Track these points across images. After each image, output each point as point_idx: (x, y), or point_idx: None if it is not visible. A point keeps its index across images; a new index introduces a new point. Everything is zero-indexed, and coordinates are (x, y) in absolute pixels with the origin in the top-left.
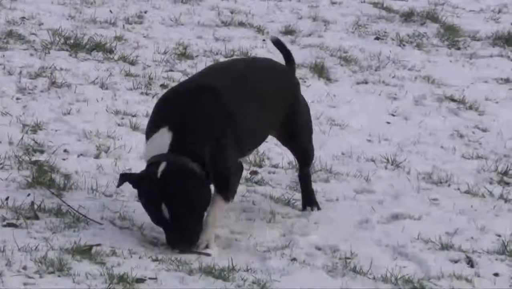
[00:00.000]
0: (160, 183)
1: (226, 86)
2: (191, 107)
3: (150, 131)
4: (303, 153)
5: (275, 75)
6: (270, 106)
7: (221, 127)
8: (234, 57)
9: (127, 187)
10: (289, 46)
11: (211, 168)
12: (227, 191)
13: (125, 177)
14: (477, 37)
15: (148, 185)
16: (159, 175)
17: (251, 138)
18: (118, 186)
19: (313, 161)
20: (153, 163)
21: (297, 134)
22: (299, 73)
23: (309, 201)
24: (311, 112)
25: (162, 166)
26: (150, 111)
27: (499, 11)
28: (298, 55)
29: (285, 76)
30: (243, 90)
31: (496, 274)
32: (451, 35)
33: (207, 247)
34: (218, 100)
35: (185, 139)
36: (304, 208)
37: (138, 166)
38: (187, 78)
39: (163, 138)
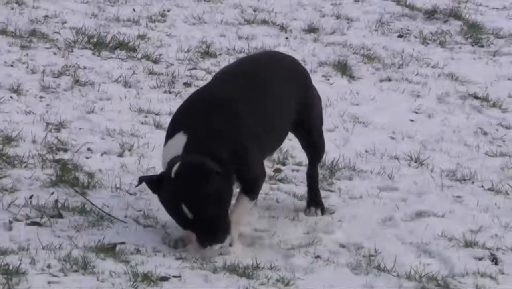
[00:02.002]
0: (176, 182)
1: (239, 95)
2: (207, 116)
3: (166, 139)
4: (315, 147)
5: (285, 68)
6: (285, 102)
7: (239, 133)
8: None
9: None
10: (312, 44)
11: (237, 171)
12: (252, 192)
13: (143, 179)
14: (500, 34)
15: (165, 186)
16: (173, 174)
17: (272, 139)
18: (137, 186)
19: (320, 162)
20: (168, 165)
21: (310, 127)
22: (322, 71)
23: (314, 201)
24: (335, 110)
25: (176, 165)
26: (174, 109)
27: None
28: (322, 53)
29: (295, 67)
30: (257, 94)
31: None
32: (475, 33)
33: (230, 245)
34: (234, 110)
35: (200, 140)
36: (308, 208)
37: (161, 165)
38: (201, 87)
39: (178, 141)
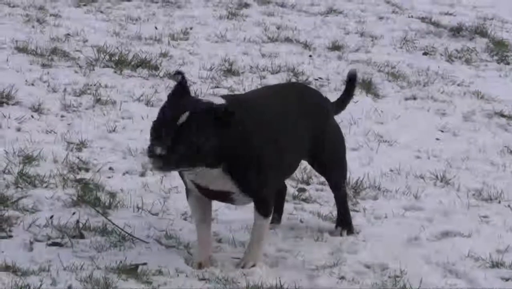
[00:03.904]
0: (188, 97)
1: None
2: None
3: None
4: (331, 179)
5: (305, 102)
6: (301, 135)
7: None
8: (281, 74)
9: (174, 205)
10: (336, 62)
11: (250, 187)
12: (265, 208)
13: (181, 74)
14: None
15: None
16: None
17: (284, 168)
18: (174, 74)
19: (345, 184)
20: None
21: (326, 162)
22: None
23: (342, 221)
24: (359, 128)
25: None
26: None
27: None
28: (346, 71)
29: (315, 101)
30: (276, 124)
31: None
32: (500, 50)
33: (254, 265)
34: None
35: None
36: (335, 228)
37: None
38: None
39: None
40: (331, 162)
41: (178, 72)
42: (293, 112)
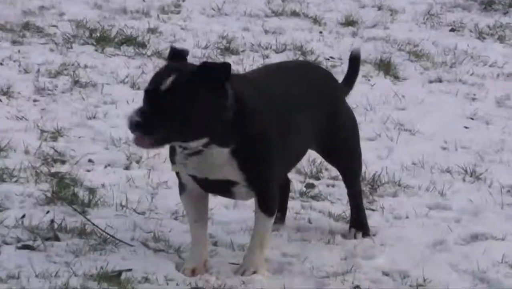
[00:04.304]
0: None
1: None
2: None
3: None
4: (346, 172)
5: (314, 83)
6: (310, 119)
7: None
8: (287, 53)
9: (163, 202)
10: (350, 39)
11: (258, 177)
12: (270, 205)
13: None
14: None
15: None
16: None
17: (290, 157)
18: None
19: (360, 179)
20: None
21: (339, 151)
22: (362, 70)
23: (357, 222)
24: (376, 115)
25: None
26: None
27: None
28: (361, 49)
29: (326, 82)
30: (280, 106)
31: None
32: None
33: (255, 272)
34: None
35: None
36: (349, 230)
37: (174, 178)
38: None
39: None
40: (345, 150)
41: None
42: (302, 93)
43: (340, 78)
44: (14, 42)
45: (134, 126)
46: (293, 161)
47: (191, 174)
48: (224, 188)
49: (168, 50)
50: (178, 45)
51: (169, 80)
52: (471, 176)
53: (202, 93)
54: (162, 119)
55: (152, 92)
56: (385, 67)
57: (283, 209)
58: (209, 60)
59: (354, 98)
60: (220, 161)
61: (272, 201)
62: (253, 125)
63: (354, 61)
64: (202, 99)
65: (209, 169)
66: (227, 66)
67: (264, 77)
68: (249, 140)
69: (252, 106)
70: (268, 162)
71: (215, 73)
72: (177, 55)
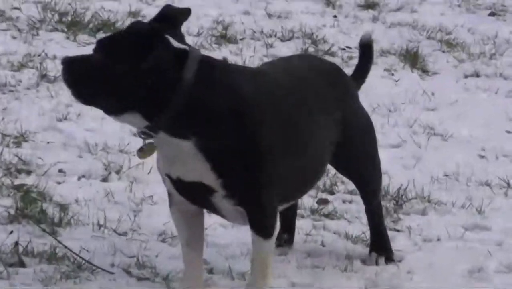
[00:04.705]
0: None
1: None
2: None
3: None
4: (362, 185)
5: (320, 80)
6: (326, 127)
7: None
8: (294, 42)
9: (148, 221)
10: (370, 25)
11: (238, 181)
12: (263, 225)
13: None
14: None
15: None
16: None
17: (299, 176)
18: None
19: (380, 193)
20: None
21: (353, 159)
22: (384, 62)
23: (378, 245)
24: (401, 117)
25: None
26: None
27: None
28: (383, 37)
29: (335, 78)
30: (284, 107)
31: None
32: None
33: None
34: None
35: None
36: (369, 254)
37: (161, 192)
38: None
39: None
40: (360, 159)
41: None
42: (307, 93)
43: None
44: None
45: (64, 60)
46: (309, 179)
47: (165, 171)
48: (202, 195)
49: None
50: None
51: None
52: None
53: (130, 61)
54: (87, 70)
55: (98, 42)
56: (412, 59)
57: (290, 230)
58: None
59: (375, 97)
60: (185, 153)
61: (267, 219)
62: (244, 124)
63: (366, 48)
64: (129, 66)
65: (177, 165)
66: (167, 45)
67: (262, 70)
68: (236, 138)
69: (246, 99)
70: (260, 170)
71: (141, 36)
72: (164, 18)
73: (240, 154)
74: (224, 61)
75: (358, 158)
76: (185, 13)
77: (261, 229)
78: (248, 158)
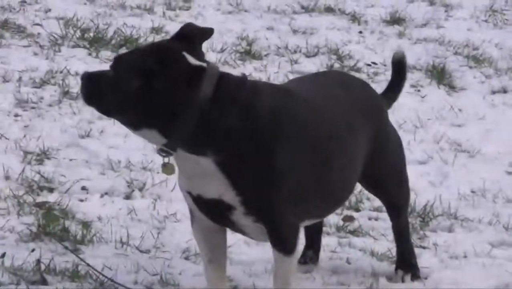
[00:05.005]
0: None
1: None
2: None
3: None
4: (390, 202)
5: (353, 98)
6: (357, 144)
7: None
8: (320, 58)
9: (171, 238)
10: (396, 41)
11: (257, 197)
12: (284, 242)
13: None
14: None
15: None
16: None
17: (325, 193)
18: None
19: (408, 210)
20: None
21: (382, 176)
22: (410, 78)
23: (404, 263)
24: (428, 134)
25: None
26: None
27: None
28: (410, 53)
29: (366, 95)
30: (311, 123)
31: None
32: None
33: None
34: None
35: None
36: (395, 271)
37: (185, 209)
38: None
39: None
40: (391, 177)
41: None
42: (339, 110)
43: (384, 87)
44: None
45: (83, 76)
46: (336, 197)
47: (185, 188)
48: (222, 213)
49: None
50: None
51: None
52: None
53: (149, 78)
54: (105, 85)
55: (115, 59)
56: (439, 74)
57: (316, 247)
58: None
59: (401, 113)
60: (203, 169)
61: (288, 236)
62: (261, 141)
63: (398, 66)
64: (149, 83)
65: (197, 182)
66: (184, 63)
67: (284, 90)
68: (254, 155)
69: (264, 116)
70: (279, 188)
71: (154, 53)
72: (183, 36)
73: (258, 171)
74: (244, 77)
75: (387, 175)
76: (206, 32)
77: (281, 245)
78: (267, 175)
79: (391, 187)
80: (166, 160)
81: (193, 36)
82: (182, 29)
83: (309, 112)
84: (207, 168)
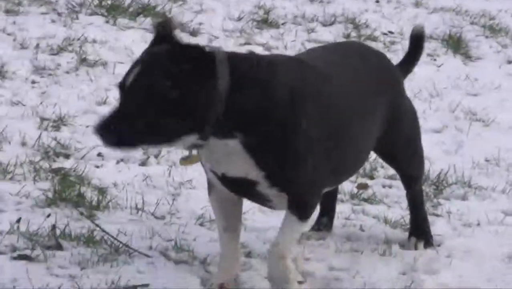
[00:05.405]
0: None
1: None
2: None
3: None
4: (406, 172)
5: (371, 68)
6: (372, 116)
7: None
8: (336, 26)
9: (186, 205)
10: (412, 10)
11: (281, 173)
12: (303, 209)
13: None
14: None
15: None
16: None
17: (344, 162)
18: None
19: (422, 178)
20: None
21: (397, 146)
22: (427, 47)
23: (417, 230)
24: (444, 102)
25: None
26: None
27: None
28: (426, 22)
29: (383, 67)
30: (328, 97)
31: None
32: None
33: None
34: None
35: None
36: (408, 239)
37: (200, 176)
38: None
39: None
40: (406, 148)
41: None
42: (355, 80)
43: (400, 57)
44: (8, 12)
45: (99, 135)
46: (352, 167)
47: (210, 168)
48: (248, 188)
49: (190, 23)
50: (205, 18)
51: (133, 74)
52: None
53: (171, 88)
54: (126, 119)
55: (120, 88)
56: (455, 44)
57: (330, 214)
58: (182, 43)
59: (417, 82)
60: (230, 152)
61: (307, 206)
62: (282, 116)
63: (416, 40)
64: (171, 95)
65: (223, 163)
66: (198, 50)
67: (305, 59)
68: (273, 131)
69: (281, 91)
70: (303, 161)
71: (185, 60)
72: (164, 37)
73: (281, 149)
74: (252, 55)
75: (402, 144)
76: (174, 22)
77: (299, 210)
78: (289, 153)
79: (406, 158)
80: (188, 154)
81: (170, 33)
82: (158, 32)
83: (327, 87)
84: (234, 148)
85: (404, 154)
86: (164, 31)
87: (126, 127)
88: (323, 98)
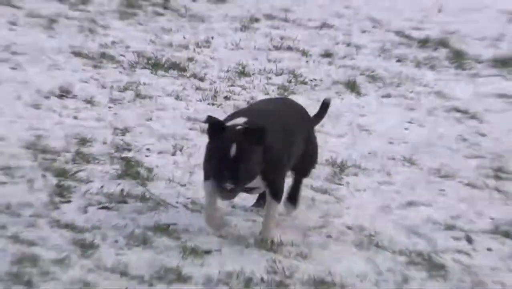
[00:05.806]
0: (235, 129)
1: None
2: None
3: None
4: (305, 174)
5: (298, 112)
6: (299, 142)
7: (274, 149)
8: (283, 76)
9: (198, 178)
10: (327, 67)
11: (274, 184)
12: (279, 196)
13: (209, 119)
14: (479, 60)
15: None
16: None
17: (290, 162)
18: (204, 122)
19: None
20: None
21: (306, 161)
22: (335, 88)
23: (291, 197)
24: (345, 120)
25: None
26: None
27: (498, 39)
28: (335, 74)
29: (304, 111)
30: (282, 127)
31: (489, 249)
32: (458, 59)
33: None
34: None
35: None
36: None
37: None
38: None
39: (238, 120)
40: (310, 161)
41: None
42: (294, 123)
43: (321, 95)
44: (95, 67)
45: (226, 194)
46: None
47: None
48: (249, 190)
49: (205, 118)
50: (207, 71)
51: (234, 147)
52: (408, 162)
53: (255, 147)
54: (240, 176)
55: (225, 158)
56: (351, 86)
57: (263, 198)
58: (248, 126)
59: (331, 109)
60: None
61: (281, 193)
62: (272, 153)
63: (325, 106)
64: (256, 151)
65: None
66: (264, 130)
67: (268, 112)
68: (267, 163)
69: (271, 140)
70: (280, 171)
71: (256, 133)
72: (215, 124)
73: (275, 170)
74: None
75: (309, 161)
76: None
77: (277, 196)
78: (276, 167)
79: (309, 166)
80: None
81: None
82: (211, 121)
83: (281, 126)
84: None
85: (309, 163)
86: (215, 121)
87: (242, 181)
88: (282, 135)
